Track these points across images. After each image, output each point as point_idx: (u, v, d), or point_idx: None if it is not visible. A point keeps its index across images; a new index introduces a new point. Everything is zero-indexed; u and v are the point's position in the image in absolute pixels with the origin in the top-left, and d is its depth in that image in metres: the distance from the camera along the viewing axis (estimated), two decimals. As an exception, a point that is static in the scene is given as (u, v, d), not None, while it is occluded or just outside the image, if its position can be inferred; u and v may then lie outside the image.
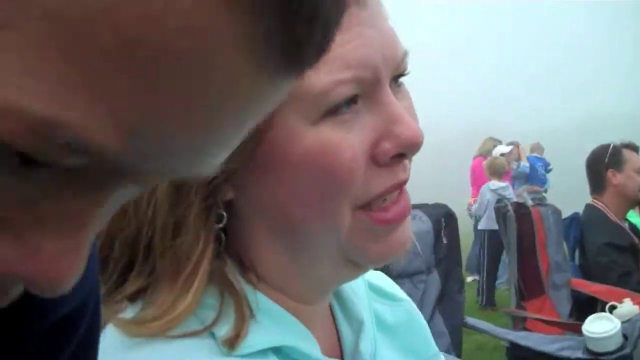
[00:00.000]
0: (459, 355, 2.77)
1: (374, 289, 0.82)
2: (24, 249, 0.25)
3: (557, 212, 4.22)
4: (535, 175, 10.73)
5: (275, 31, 0.24)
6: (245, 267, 0.65)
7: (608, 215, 4.02)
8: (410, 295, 2.96)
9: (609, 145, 4.22)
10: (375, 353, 0.76)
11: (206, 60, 0.23)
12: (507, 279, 6.14)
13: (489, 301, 7.34)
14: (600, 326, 2.87)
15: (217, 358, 0.59)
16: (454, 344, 2.83)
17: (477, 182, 9.79)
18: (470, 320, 2.96)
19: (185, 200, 0.61)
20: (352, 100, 0.60)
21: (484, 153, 9.88)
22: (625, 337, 2.87)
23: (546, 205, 4.31)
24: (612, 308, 3.28)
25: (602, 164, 4.13)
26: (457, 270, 2.99)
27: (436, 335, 2.98)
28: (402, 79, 0.66)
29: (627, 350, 2.76)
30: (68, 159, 0.22)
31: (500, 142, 9.98)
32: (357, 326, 0.76)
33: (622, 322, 2.94)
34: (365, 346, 0.74)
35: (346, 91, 0.59)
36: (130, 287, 0.62)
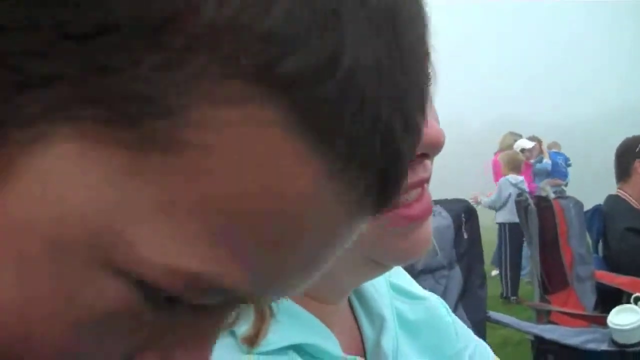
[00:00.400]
0: (482, 350, 2.75)
1: (394, 287, 0.81)
2: None
3: (578, 204, 4.18)
4: (557, 170, 10.64)
5: (371, 191, 0.29)
6: None
7: (631, 203, 4.00)
8: (432, 291, 2.94)
9: None
10: (398, 350, 0.75)
11: (313, 218, 0.28)
12: (529, 272, 6.10)
13: (513, 292, 7.29)
14: (625, 318, 2.85)
15: (237, 355, 0.59)
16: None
17: (498, 177, 9.73)
18: (494, 314, 2.95)
19: None
20: None
21: (505, 148, 9.79)
22: (651, 328, 2.85)
23: (567, 197, 4.27)
24: (637, 299, 3.25)
25: (631, 154, 4.11)
26: (479, 266, 2.97)
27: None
28: None
29: (653, 341, 2.73)
30: (207, 299, 0.28)
31: (520, 137, 9.89)
32: (379, 323, 0.75)
33: (648, 313, 2.92)
34: (387, 343, 0.74)
35: None
36: None
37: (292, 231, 0.28)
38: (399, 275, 0.87)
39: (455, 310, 2.99)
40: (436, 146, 0.63)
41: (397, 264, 0.71)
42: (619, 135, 4.32)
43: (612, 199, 4.10)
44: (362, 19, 0.26)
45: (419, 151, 0.62)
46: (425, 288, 2.82)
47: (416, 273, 2.80)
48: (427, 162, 0.65)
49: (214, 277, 0.27)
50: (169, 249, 0.26)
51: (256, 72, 0.24)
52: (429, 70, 0.32)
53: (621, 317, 2.85)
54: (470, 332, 0.89)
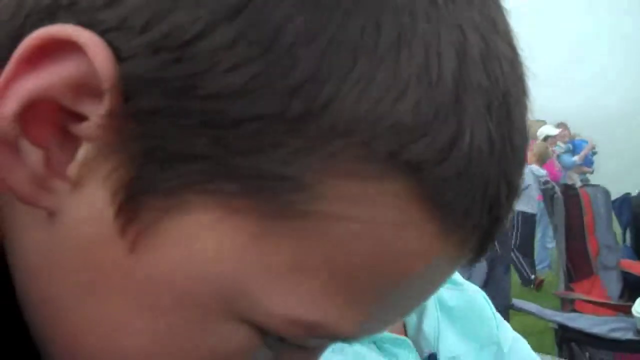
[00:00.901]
0: (506, 337, 2.74)
1: None
2: None
3: (605, 193, 4.15)
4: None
5: (474, 247, 0.31)
6: None
7: None
8: (456, 277, 2.92)
9: None
10: (439, 334, 0.77)
11: (423, 273, 0.30)
12: (550, 263, 6.05)
13: (525, 280, 7.23)
14: (651, 307, 2.82)
15: None
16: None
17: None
18: (518, 302, 2.94)
19: None
20: None
21: (531, 136, 9.66)
22: (677, 317, 2.82)
23: (594, 186, 4.24)
24: (664, 289, 3.23)
25: None
26: (504, 253, 2.96)
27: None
28: None
29: (679, 331, 2.71)
30: (318, 343, 0.32)
31: (544, 122, 9.76)
32: (420, 308, 0.77)
33: (674, 303, 2.89)
34: (428, 327, 0.76)
35: None
36: None
37: (404, 285, 0.30)
38: None
39: (479, 297, 3.00)
40: None
41: None
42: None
43: None
44: (480, 103, 0.28)
45: None
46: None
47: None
48: None
49: (330, 326, 0.30)
50: (292, 302, 0.29)
51: (386, 156, 0.27)
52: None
53: (647, 307, 2.83)
54: (508, 327, 0.90)
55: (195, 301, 0.29)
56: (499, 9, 0.32)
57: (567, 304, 3.54)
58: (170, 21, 0.26)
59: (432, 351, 0.77)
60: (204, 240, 0.28)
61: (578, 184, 4.28)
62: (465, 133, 0.28)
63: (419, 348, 0.76)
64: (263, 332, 0.30)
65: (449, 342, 0.80)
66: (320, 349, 0.36)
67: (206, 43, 0.25)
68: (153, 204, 0.27)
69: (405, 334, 0.77)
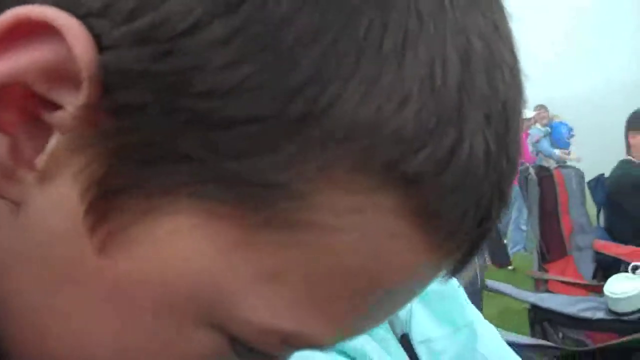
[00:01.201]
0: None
1: None
2: None
3: (579, 173, 4.19)
4: (560, 140, 10.63)
5: (461, 257, 0.31)
6: None
7: (636, 161, 4.03)
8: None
9: None
10: (411, 315, 0.76)
11: (409, 284, 0.30)
12: (525, 245, 6.12)
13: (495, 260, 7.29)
14: (621, 287, 2.86)
15: None
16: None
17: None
18: (491, 283, 2.96)
19: None
20: None
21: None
22: (647, 297, 2.86)
23: (568, 167, 4.27)
24: (635, 268, 3.27)
25: (627, 127, 4.16)
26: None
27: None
28: None
29: (649, 310, 2.75)
30: (285, 351, 0.31)
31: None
32: None
33: (645, 282, 2.93)
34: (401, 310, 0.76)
35: None
36: None
37: (386, 295, 0.30)
38: None
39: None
40: None
41: None
42: (627, 108, 4.33)
43: (620, 162, 4.14)
44: (480, 112, 0.28)
45: None
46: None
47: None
48: None
49: (306, 336, 0.29)
50: (270, 312, 0.28)
51: (383, 167, 0.26)
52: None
53: (617, 286, 2.87)
54: (477, 311, 0.90)
55: (169, 306, 0.28)
56: (502, 12, 0.31)
57: (541, 285, 3.58)
58: (161, 11, 0.24)
59: (405, 331, 0.76)
60: (184, 245, 0.27)
61: (554, 165, 4.31)
62: (464, 144, 0.27)
63: (392, 328, 0.75)
64: (234, 339, 0.29)
65: (422, 325, 0.79)
66: (287, 356, 0.35)
67: (200, 37, 0.24)
68: (129, 204, 0.26)
69: None
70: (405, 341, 0.77)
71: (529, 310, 3.08)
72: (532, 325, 3.06)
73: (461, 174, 0.27)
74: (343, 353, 0.64)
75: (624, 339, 2.45)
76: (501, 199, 0.30)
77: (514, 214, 8.20)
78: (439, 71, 0.26)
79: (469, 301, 0.90)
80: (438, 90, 0.26)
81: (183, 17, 0.24)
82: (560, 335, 3.15)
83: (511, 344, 2.13)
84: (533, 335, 3.01)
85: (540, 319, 3.00)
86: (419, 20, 0.26)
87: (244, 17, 0.24)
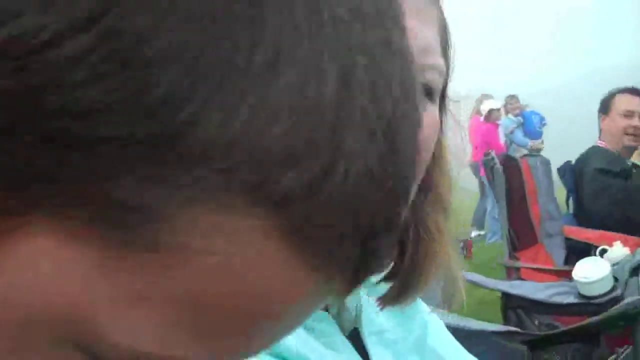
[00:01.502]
0: (448, 308, 2.78)
1: None
2: None
3: (545, 162, 4.23)
4: (531, 130, 10.75)
5: (347, 281, 0.30)
6: None
7: (607, 148, 4.07)
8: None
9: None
10: (361, 308, 0.76)
11: (287, 309, 0.29)
12: (501, 235, 6.15)
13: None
14: (590, 270, 2.89)
15: None
16: (446, 298, 2.84)
17: (474, 141, 9.82)
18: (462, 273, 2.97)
19: None
20: None
21: (479, 111, 9.87)
22: (616, 279, 2.89)
23: (534, 155, 4.31)
24: (603, 252, 3.30)
25: (600, 110, 4.22)
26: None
27: (427, 290, 2.98)
28: None
29: (617, 292, 2.78)
30: None
31: (491, 97, 9.95)
32: None
33: (612, 265, 2.96)
34: (350, 301, 0.75)
35: None
36: None
37: (269, 321, 0.29)
38: None
39: (423, 271, 3.03)
40: None
41: None
42: (598, 97, 4.40)
43: (591, 148, 4.19)
44: (359, 131, 0.26)
45: None
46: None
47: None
48: None
49: (177, 358, 0.28)
50: (137, 334, 0.27)
51: (248, 189, 0.25)
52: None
53: (586, 270, 2.89)
54: (425, 306, 0.90)
55: (32, 327, 0.27)
56: (397, 26, 0.30)
57: (513, 273, 3.61)
58: (14, 26, 0.23)
59: (355, 326, 0.76)
60: (44, 267, 0.26)
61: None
62: (339, 166, 0.26)
63: (341, 323, 0.74)
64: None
65: (374, 317, 0.79)
66: None
67: (54, 54, 0.23)
68: None
69: (326, 309, 0.75)
70: (355, 337, 0.76)
71: (501, 299, 3.10)
72: (505, 313, 3.08)
73: (335, 196, 0.26)
74: (278, 355, 0.64)
75: (591, 319, 2.47)
76: (389, 221, 0.29)
77: (488, 205, 8.27)
78: (313, 89, 0.25)
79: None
80: (310, 110, 0.25)
81: (36, 33, 0.23)
82: (536, 322, 3.18)
83: (480, 333, 2.14)
84: (506, 323, 3.03)
85: (512, 307, 3.02)
86: (294, 37, 0.25)
87: (101, 34, 0.23)
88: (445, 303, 0.79)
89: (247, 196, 0.25)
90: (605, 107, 4.23)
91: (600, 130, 4.22)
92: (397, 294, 0.74)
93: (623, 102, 4.18)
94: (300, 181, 0.25)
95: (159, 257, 0.26)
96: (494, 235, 8.05)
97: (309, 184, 0.25)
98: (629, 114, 4.15)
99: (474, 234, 9.70)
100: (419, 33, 0.62)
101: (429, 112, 0.66)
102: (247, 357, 0.32)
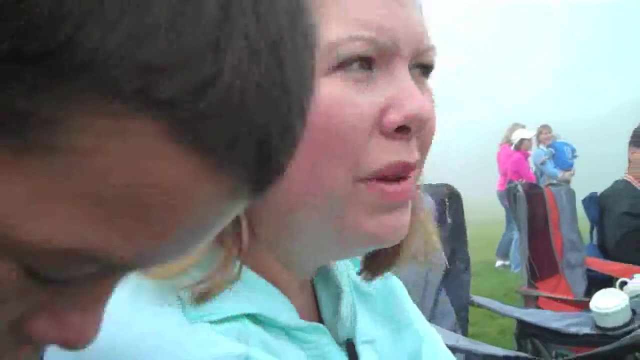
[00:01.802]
0: (464, 333, 2.77)
1: (352, 259, 0.81)
2: (58, 324, 0.35)
3: (570, 191, 4.19)
4: (562, 160, 10.60)
5: (247, 182, 0.33)
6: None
7: (633, 184, 4.02)
8: (414, 275, 2.90)
9: None
10: (355, 317, 0.76)
11: (192, 204, 0.32)
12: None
13: None
14: (608, 302, 2.84)
15: (183, 324, 0.59)
16: (460, 322, 2.82)
17: (502, 168, 9.73)
18: (477, 298, 2.96)
19: None
20: (367, 62, 0.60)
21: (508, 140, 9.78)
22: (634, 312, 2.84)
23: (559, 185, 4.27)
24: (623, 284, 3.25)
25: (631, 143, 4.14)
26: (463, 250, 2.97)
27: (442, 314, 2.94)
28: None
29: (635, 325, 2.73)
30: (85, 270, 0.33)
31: (523, 127, 9.86)
32: (336, 292, 0.76)
33: (632, 298, 2.92)
34: (344, 311, 0.75)
35: (361, 47, 0.59)
36: None
37: (175, 219, 0.32)
38: None
39: (438, 294, 3.01)
40: (419, 119, 0.61)
41: (361, 246, 0.68)
42: (628, 130, 4.34)
43: (616, 182, 4.14)
44: (243, 49, 0.30)
45: (402, 122, 0.61)
46: (407, 272, 2.80)
47: (399, 258, 2.79)
48: (413, 144, 0.63)
49: (99, 253, 0.31)
50: (49, 231, 0.30)
51: (134, 94, 0.28)
52: (313, 84, 0.37)
53: (604, 301, 2.85)
54: (422, 316, 0.89)
55: None
56: None
57: (531, 302, 3.56)
58: None
59: (349, 337, 0.75)
60: None
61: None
62: (222, 77, 0.29)
63: (334, 333, 0.74)
64: (29, 269, 0.31)
65: (365, 325, 0.78)
66: (108, 280, 0.37)
67: None
68: None
69: (319, 319, 0.76)
70: (350, 347, 0.75)
71: (516, 326, 3.07)
72: (518, 340, 3.04)
73: (222, 103, 0.30)
74: None
75: (602, 348, 2.43)
76: (284, 129, 0.33)
77: (515, 235, 8.16)
78: (192, 9, 0.29)
79: (412, 303, 0.90)
80: (189, 27, 0.29)
81: None
82: (554, 353, 3.13)
83: (492, 357, 2.11)
84: (522, 351, 2.99)
85: (527, 335, 2.98)
86: None
87: None
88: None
89: (133, 101, 0.28)
90: (637, 139, 4.15)
91: (630, 162, 4.15)
92: (380, 264, 0.74)
93: None
94: (181, 89, 0.29)
95: (58, 158, 0.29)
96: (518, 266, 7.93)
97: (192, 92, 0.29)
98: None
99: (498, 263, 9.59)
100: (418, 19, 0.64)
101: (429, 90, 0.67)
102: (175, 258, 0.36)
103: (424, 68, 0.65)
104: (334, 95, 0.59)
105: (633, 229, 3.78)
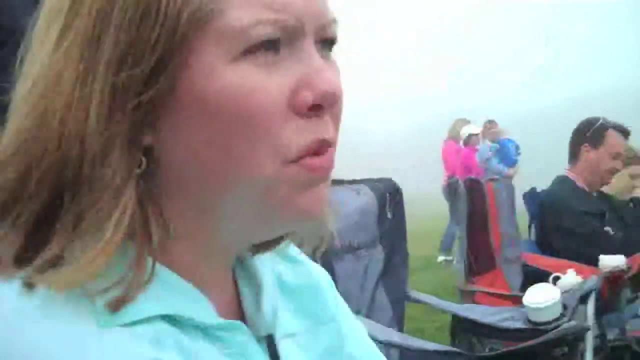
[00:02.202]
0: (400, 329, 2.78)
1: (277, 251, 0.81)
2: None
3: (509, 187, 4.26)
4: (507, 156, 10.82)
5: None
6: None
7: (577, 182, 4.08)
8: (353, 269, 2.92)
9: (598, 119, 4.23)
10: (277, 312, 0.76)
11: None
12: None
13: None
14: (540, 297, 2.90)
15: (89, 328, 0.56)
16: (396, 318, 2.84)
17: (447, 164, 9.87)
18: (414, 293, 2.98)
19: (114, 122, 0.58)
20: (273, 45, 0.61)
21: (455, 135, 9.94)
22: (565, 306, 2.91)
23: (499, 180, 4.34)
24: (557, 279, 3.33)
25: (582, 136, 4.16)
26: (402, 244, 2.99)
27: (380, 309, 2.96)
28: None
29: (565, 319, 2.79)
30: None
31: (468, 122, 10.04)
32: (259, 286, 0.76)
33: (563, 293, 2.98)
34: (266, 306, 0.74)
35: (267, 31, 0.59)
36: (53, 248, 0.58)
37: None
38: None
39: (375, 289, 3.02)
40: (332, 96, 0.63)
41: (290, 224, 0.69)
42: (571, 125, 4.39)
43: (561, 179, 4.20)
44: None
45: (315, 101, 0.62)
46: (346, 266, 2.81)
47: (337, 251, 2.81)
48: (327, 119, 0.64)
49: None
50: None
51: None
52: None
53: (536, 296, 2.91)
54: (348, 310, 0.90)
55: None
56: None
57: (467, 297, 3.61)
58: None
59: (270, 332, 0.75)
60: None
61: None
62: None
63: (255, 329, 0.73)
64: None
65: (286, 319, 0.78)
66: None
67: None
68: None
69: (240, 316, 0.75)
70: (270, 342, 0.75)
71: (451, 321, 3.11)
72: (453, 335, 3.08)
73: None
74: None
75: (529, 342, 2.48)
76: None
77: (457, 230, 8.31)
78: None
79: (339, 297, 0.90)
80: None
81: None
82: (487, 349, 3.19)
83: (423, 352, 2.13)
84: (456, 347, 3.03)
85: (464, 330, 3.02)
86: None
87: None
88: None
89: None
90: (596, 139, 4.15)
91: (576, 160, 4.16)
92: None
93: (616, 143, 4.14)
94: None
95: None
96: (460, 261, 8.07)
97: None
98: (617, 157, 4.14)
99: (440, 258, 9.76)
100: None
101: (334, 63, 0.68)
102: None
103: (328, 42, 0.66)
104: (242, 81, 0.59)
105: (590, 229, 3.85)
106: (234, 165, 0.61)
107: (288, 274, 0.82)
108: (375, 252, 2.95)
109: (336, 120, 0.66)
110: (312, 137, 0.63)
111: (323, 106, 0.63)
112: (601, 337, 3.22)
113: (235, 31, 0.58)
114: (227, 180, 0.62)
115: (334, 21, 0.66)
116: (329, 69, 0.64)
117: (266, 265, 0.79)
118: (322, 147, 0.64)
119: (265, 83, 0.60)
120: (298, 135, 0.62)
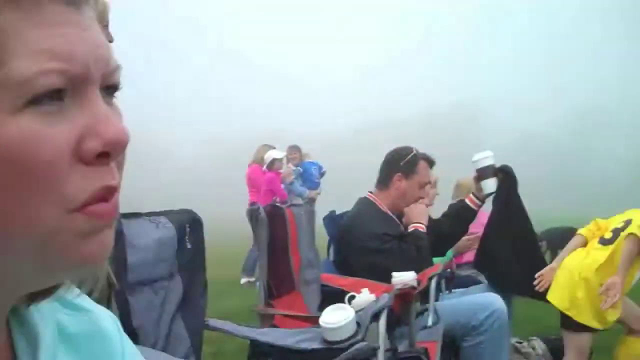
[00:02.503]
0: (198, 358, 2.76)
1: (57, 298, 0.77)
2: None
3: (310, 212, 4.41)
4: (309, 179, 11.21)
5: None
6: None
7: (380, 207, 4.30)
8: (150, 302, 2.85)
9: (411, 149, 4.47)
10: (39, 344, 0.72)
11: None
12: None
13: None
14: (335, 317, 3.03)
15: None
16: (194, 348, 2.81)
17: (253, 188, 10.02)
18: (213, 322, 2.97)
19: None
20: (57, 94, 0.59)
21: (258, 160, 10.13)
22: (359, 325, 3.06)
23: (299, 205, 4.47)
24: (352, 298, 3.50)
25: (396, 165, 4.39)
26: (201, 275, 2.97)
27: (176, 340, 2.89)
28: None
29: (358, 337, 2.94)
30: None
31: (273, 147, 10.29)
32: (36, 340, 0.72)
33: (357, 311, 3.14)
34: (43, 358, 0.71)
35: (51, 81, 0.58)
36: None
37: None
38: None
39: (173, 321, 2.97)
40: (118, 144, 0.63)
41: (71, 272, 0.67)
42: (373, 147, 4.60)
43: (364, 201, 4.39)
44: None
45: (102, 149, 0.61)
46: (142, 299, 2.71)
47: (133, 285, 2.73)
48: (114, 168, 0.64)
49: None
50: None
51: None
52: None
53: (331, 316, 3.03)
54: (137, 352, 0.88)
55: None
56: None
57: (267, 320, 3.67)
58: None
59: None
60: None
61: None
62: None
63: None
64: None
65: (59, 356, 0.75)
66: None
67: None
68: None
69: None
70: None
71: (249, 347, 3.13)
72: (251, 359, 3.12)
73: None
74: None
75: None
76: None
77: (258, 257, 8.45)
78: None
79: (126, 340, 0.88)
80: None
81: None
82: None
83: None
84: (256, 371, 3.06)
85: (259, 354, 3.06)
86: None
87: None
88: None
89: None
90: (409, 170, 4.39)
91: (387, 187, 4.38)
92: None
93: (425, 173, 4.43)
94: None
95: None
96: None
97: None
98: (423, 186, 4.43)
99: (243, 280, 9.88)
100: (103, 41, 0.65)
101: (118, 109, 0.68)
102: None
103: (112, 89, 0.67)
104: (25, 133, 0.58)
105: (389, 248, 4.07)
106: (14, 219, 0.59)
107: (71, 323, 0.80)
108: (173, 283, 2.91)
109: (120, 166, 0.67)
110: (99, 184, 0.62)
111: (110, 154, 0.63)
112: (393, 351, 3.41)
113: (19, 81, 0.57)
114: (3, 237, 0.59)
115: (119, 68, 0.67)
116: (114, 116, 0.64)
117: (45, 316, 0.76)
118: (108, 194, 0.64)
119: (48, 134, 0.58)
120: (84, 183, 0.61)
